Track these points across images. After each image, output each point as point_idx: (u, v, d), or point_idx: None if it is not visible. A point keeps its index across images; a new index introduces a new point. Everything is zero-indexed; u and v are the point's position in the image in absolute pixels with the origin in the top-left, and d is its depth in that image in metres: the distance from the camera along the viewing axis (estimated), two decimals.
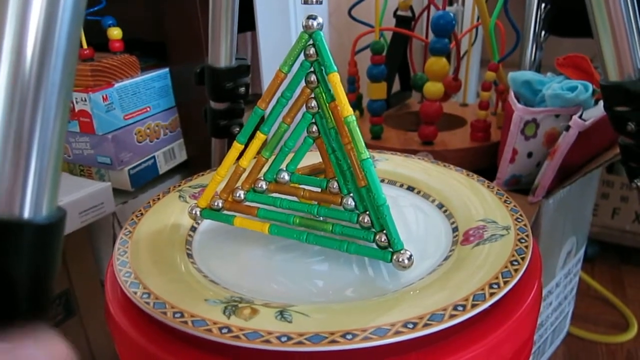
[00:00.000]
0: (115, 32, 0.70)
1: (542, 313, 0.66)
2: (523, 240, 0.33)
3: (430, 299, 0.27)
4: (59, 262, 0.21)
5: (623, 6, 0.35)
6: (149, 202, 0.42)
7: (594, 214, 1.00)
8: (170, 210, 0.41)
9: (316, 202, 0.37)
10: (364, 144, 0.32)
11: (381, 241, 0.33)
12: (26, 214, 0.20)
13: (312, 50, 0.33)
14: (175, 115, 0.76)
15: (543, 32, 1.03)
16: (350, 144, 0.33)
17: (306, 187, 0.37)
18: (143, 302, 0.28)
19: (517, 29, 0.68)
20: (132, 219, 0.39)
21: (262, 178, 0.38)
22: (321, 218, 0.36)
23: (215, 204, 0.38)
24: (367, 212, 0.34)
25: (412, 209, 0.41)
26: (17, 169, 0.19)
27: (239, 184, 0.38)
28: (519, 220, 0.35)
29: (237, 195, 0.38)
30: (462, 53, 0.82)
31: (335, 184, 0.36)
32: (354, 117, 0.32)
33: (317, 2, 0.34)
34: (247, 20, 0.71)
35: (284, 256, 0.36)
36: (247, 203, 0.38)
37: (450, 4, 1.10)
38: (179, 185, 0.46)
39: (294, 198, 0.38)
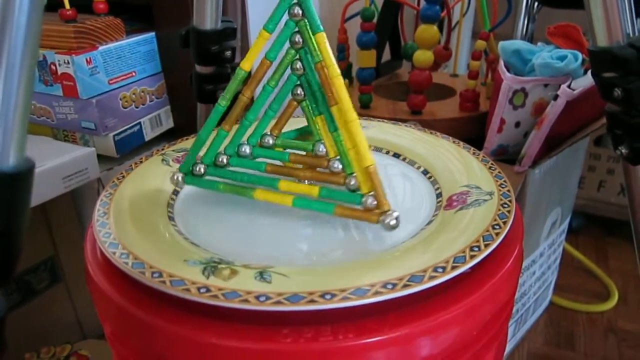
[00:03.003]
0: None
1: (525, 282, 0.67)
2: (506, 205, 0.33)
3: (411, 261, 0.27)
4: (27, 216, 0.20)
5: None
6: (131, 166, 0.42)
7: (580, 186, 1.01)
8: (153, 174, 0.41)
9: (301, 166, 0.36)
10: (351, 104, 0.31)
11: (367, 203, 0.32)
12: None
13: (297, 10, 0.32)
14: (161, 81, 0.75)
15: (536, 3, 1.01)
16: (337, 105, 0.32)
17: (292, 151, 0.37)
18: (122, 262, 0.28)
19: None
20: (114, 182, 0.39)
21: (246, 142, 0.37)
22: (306, 182, 0.36)
23: (198, 169, 0.37)
24: (354, 175, 0.33)
25: (398, 175, 0.41)
26: None
27: (221, 148, 0.37)
28: (503, 185, 0.35)
29: (220, 160, 0.37)
30: (453, 24, 0.80)
31: (322, 147, 0.35)
32: (341, 78, 0.32)
33: None
34: None
35: (268, 220, 0.36)
36: (231, 168, 0.38)
37: None
38: (162, 149, 0.45)
39: (280, 163, 0.37)
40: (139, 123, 0.73)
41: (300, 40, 0.33)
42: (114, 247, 0.30)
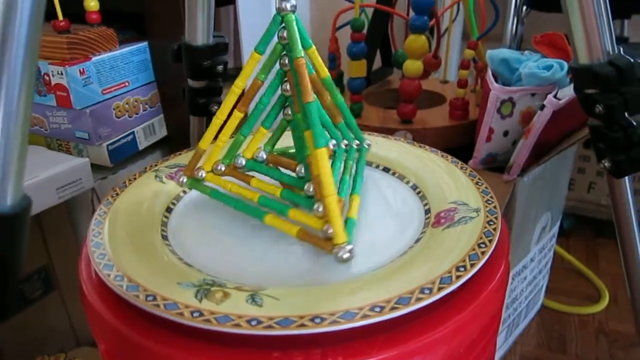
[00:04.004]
0: (92, 4, 0.68)
1: (516, 287, 0.68)
2: (492, 223, 0.33)
3: (399, 282, 0.28)
4: (24, 254, 0.21)
5: None
6: (125, 182, 0.42)
7: (570, 188, 1.02)
8: (146, 191, 0.41)
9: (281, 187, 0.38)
10: (322, 131, 0.32)
11: (327, 233, 0.32)
12: None
13: (285, 33, 0.33)
14: (154, 91, 0.75)
15: (524, 7, 1.03)
16: (309, 132, 0.33)
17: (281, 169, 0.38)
18: (116, 284, 0.29)
19: (496, 6, 0.67)
20: (108, 199, 0.39)
21: (241, 155, 0.38)
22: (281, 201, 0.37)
23: (199, 174, 0.39)
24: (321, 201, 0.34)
25: (387, 190, 0.42)
26: None
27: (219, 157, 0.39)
28: (489, 202, 0.36)
29: (218, 168, 0.39)
30: (442, 30, 0.81)
31: (302, 169, 0.36)
32: (315, 104, 0.32)
33: None
34: None
35: (258, 239, 0.37)
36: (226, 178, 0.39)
37: None
38: (156, 165, 0.45)
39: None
40: (133, 132, 0.73)
41: (288, 62, 0.34)
42: (108, 268, 0.30)
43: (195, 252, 0.35)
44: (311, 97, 0.32)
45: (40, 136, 0.72)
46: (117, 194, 0.40)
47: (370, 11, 0.80)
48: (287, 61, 0.34)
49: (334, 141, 0.38)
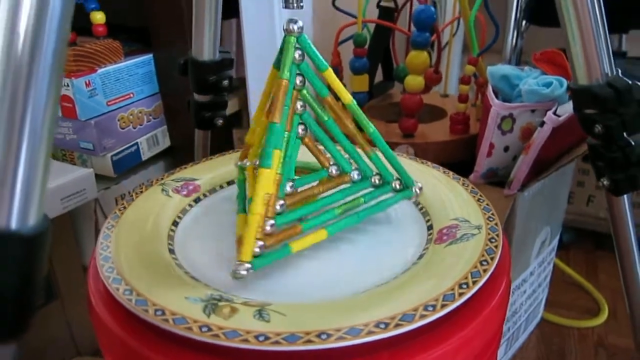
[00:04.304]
0: (98, 16, 0.69)
1: (516, 301, 0.69)
2: (493, 240, 0.34)
3: (403, 299, 0.29)
4: (43, 274, 0.21)
5: (591, 14, 0.36)
6: (132, 195, 0.43)
7: (569, 201, 1.02)
8: (153, 204, 0.42)
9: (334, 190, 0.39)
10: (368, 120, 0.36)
11: (397, 186, 0.39)
12: (13, 225, 0.20)
13: (298, 54, 0.34)
14: (159, 102, 0.76)
15: (524, 22, 1.04)
16: (353, 124, 0.38)
17: (314, 185, 0.38)
18: (125, 298, 0.29)
19: (496, 22, 0.69)
20: (115, 212, 0.40)
21: (278, 197, 0.35)
22: (348, 198, 0.39)
23: (257, 249, 0.33)
24: (375, 173, 0.39)
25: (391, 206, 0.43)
26: (5, 175, 0.20)
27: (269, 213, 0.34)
28: (491, 219, 0.37)
29: (267, 228, 0.34)
30: (443, 44, 0.82)
31: (334, 169, 0.38)
32: (354, 101, 0.37)
33: (298, 7, 0.35)
34: (231, 7, 0.71)
35: None
36: (281, 228, 0.35)
37: None
38: (162, 179, 0.46)
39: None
40: (136, 143, 0.74)
41: (303, 81, 0.35)
42: (117, 282, 0.31)
43: (201, 266, 0.35)
44: (349, 97, 0.37)
45: None
46: (125, 207, 0.41)
47: (372, 26, 0.81)
48: (299, 81, 0.35)
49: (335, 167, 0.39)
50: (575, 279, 0.93)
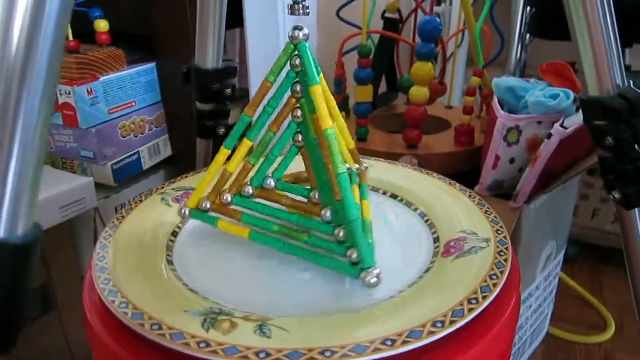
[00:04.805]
0: (102, 25, 0.69)
1: (522, 315, 0.67)
2: (503, 254, 0.33)
3: (410, 314, 0.28)
4: (33, 285, 0.20)
5: (603, 25, 0.35)
6: (131, 205, 0.42)
7: (574, 215, 1.02)
8: (152, 214, 0.41)
9: (297, 212, 0.37)
10: (341, 158, 0.32)
11: (352, 258, 0.32)
12: (1, 233, 0.19)
13: (298, 61, 0.33)
14: (161, 111, 0.76)
15: (528, 35, 1.04)
16: (329, 157, 0.33)
17: (290, 195, 0.38)
18: (121, 312, 0.28)
19: (502, 34, 0.68)
20: (114, 222, 0.39)
21: (249, 183, 0.38)
22: (296, 228, 0.37)
23: (204, 205, 0.38)
24: (343, 227, 0.33)
25: (395, 217, 0.42)
26: None
27: (226, 187, 0.38)
28: (499, 232, 0.36)
29: (225, 198, 0.38)
30: (448, 55, 0.82)
31: (317, 195, 0.36)
32: (333, 131, 0.32)
33: (304, 14, 0.34)
34: (235, 17, 0.71)
35: (266, 264, 0.36)
36: (233, 207, 0.38)
37: (439, 4, 1.10)
38: (162, 188, 0.45)
39: (278, 205, 0.38)
40: (138, 152, 0.73)
41: (301, 90, 0.34)
42: (113, 295, 0.30)
43: (201, 278, 0.34)
44: (328, 124, 0.32)
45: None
46: (123, 217, 0.40)
47: (376, 37, 0.81)
48: (299, 89, 0.34)
49: (347, 165, 0.38)
50: (581, 293, 0.92)
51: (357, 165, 0.41)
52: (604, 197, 1.01)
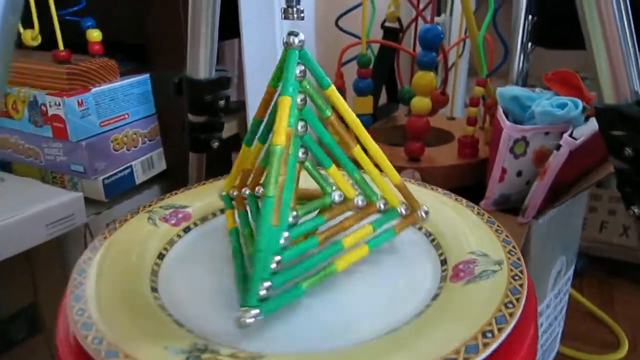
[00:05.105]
0: (94, 34, 0.67)
1: None
2: (517, 278, 0.30)
3: (418, 350, 0.25)
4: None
5: (619, 28, 0.33)
6: (115, 225, 0.39)
7: (582, 228, 0.99)
8: (138, 235, 0.38)
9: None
10: (274, 179, 0.29)
11: (404, 211, 0.36)
12: None
13: (300, 69, 0.31)
14: (155, 123, 0.74)
15: (529, 44, 1.02)
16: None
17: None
18: (94, 348, 0.25)
19: (505, 43, 0.66)
20: (94, 245, 0.36)
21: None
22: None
23: (232, 193, 0.40)
24: (381, 197, 0.36)
25: (398, 237, 0.39)
26: None
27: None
28: (512, 253, 0.33)
29: (243, 192, 0.39)
30: (449, 65, 0.80)
31: (337, 195, 0.35)
32: (358, 120, 0.35)
33: (298, 18, 0.32)
34: (235, 27, 0.69)
35: None
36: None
37: (439, 14, 1.09)
38: (150, 205, 0.42)
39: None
40: (130, 166, 0.71)
41: (304, 99, 0.32)
42: (86, 328, 0.27)
43: (187, 307, 0.31)
44: (281, 140, 0.30)
45: (35, 168, 0.70)
46: (105, 238, 0.37)
47: (375, 46, 0.79)
48: (301, 99, 0.32)
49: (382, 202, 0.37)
50: (591, 309, 0.89)
51: (403, 206, 0.37)
52: (612, 210, 0.99)
